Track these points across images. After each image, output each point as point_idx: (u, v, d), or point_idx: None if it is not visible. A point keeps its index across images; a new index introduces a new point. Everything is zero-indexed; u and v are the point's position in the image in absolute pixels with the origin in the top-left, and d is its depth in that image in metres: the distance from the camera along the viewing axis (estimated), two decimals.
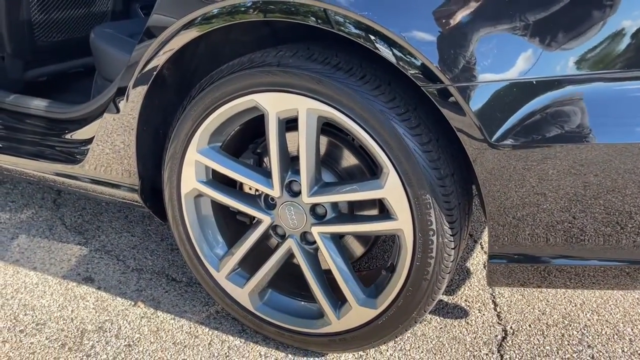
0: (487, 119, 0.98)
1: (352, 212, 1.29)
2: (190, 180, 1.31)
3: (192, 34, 1.18)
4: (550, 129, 0.96)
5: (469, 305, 1.52)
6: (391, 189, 1.11)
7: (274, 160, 1.21)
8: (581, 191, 0.99)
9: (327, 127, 1.25)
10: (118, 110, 1.38)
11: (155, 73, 1.27)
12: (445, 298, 1.55)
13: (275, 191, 1.24)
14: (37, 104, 1.65)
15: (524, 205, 1.03)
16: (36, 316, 1.45)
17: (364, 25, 1.01)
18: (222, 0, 1.12)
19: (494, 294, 1.57)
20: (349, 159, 1.28)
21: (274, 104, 1.16)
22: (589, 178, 0.97)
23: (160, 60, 1.25)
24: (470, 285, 1.60)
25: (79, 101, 1.98)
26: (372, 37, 1.01)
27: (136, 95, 1.32)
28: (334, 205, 1.24)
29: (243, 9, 1.11)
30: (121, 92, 1.36)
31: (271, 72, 1.13)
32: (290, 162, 1.24)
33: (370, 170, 1.26)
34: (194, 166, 1.30)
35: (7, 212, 1.94)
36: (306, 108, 1.13)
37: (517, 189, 1.02)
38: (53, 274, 1.62)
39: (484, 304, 1.53)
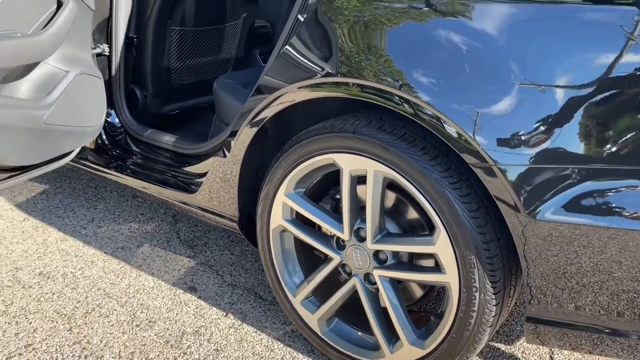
0: (526, 196, 1.11)
1: (412, 260, 1.46)
2: (278, 217, 1.56)
3: (299, 95, 1.42)
4: (586, 210, 1.07)
5: (525, 357, 1.61)
6: (441, 246, 1.27)
7: (345, 209, 1.42)
8: (616, 271, 1.08)
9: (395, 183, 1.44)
10: (228, 151, 1.68)
11: (261, 124, 1.54)
12: (502, 347, 1.65)
13: (345, 235, 1.45)
14: (167, 139, 2.02)
15: (559, 276, 1.14)
16: (149, 314, 1.79)
17: (434, 114, 1.18)
18: (333, 75, 1.33)
19: (552, 349, 1.63)
20: (411, 214, 1.45)
21: (348, 164, 1.38)
22: (621, 259, 1.07)
23: (267, 113, 1.51)
24: None
25: (202, 131, 2.34)
26: (437, 122, 1.18)
27: (244, 140, 1.60)
28: (395, 253, 1.42)
29: (346, 86, 1.32)
30: (233, 135, 1.65)
31: (347, 138, 1.35)
32: (359, 211, 1.45)
33: (429, 226, 1.43)
34: (281, 206, 1.55)
35: (136, 222, 2.34)
36: (374, 170, 1.34)
37: (552, 260, 1.13)
38: (166, 281, 1.96)
39: (540, 358, 1.60)
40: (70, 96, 1.70)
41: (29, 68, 1.60)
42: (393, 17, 1.25)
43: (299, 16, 1.45)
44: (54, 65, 1.69)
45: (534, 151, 1.10)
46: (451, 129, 1.16)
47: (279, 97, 1.47)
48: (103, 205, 2.47)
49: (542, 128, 1.09)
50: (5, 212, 2.36)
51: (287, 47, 1.45)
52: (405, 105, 1.22)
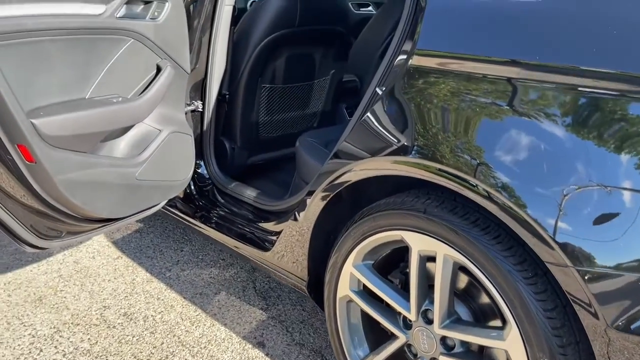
0: (606, 303, 1.01)
1: (481, 351, 1.37)
2: (345, 287, 1.55)
3: (372, 170, 1.41)
4: None
5: None
6: (512, 343, 1.18)
7: (412, 288, 1.37)
8: None
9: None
10: (303, 212, 1.70)
11: (335, 190, 1.55)
12: None
13: (411, 315, 1.40)
14: (249, 193, 2.09)
15: None
16: None
17: (508, 205, 1.11)
18: (407, 154, 1.29)
19: None
20: (483, 300, 1.37)
21: (417, 243, 1.34)
22: None
23: (342, 180, 1.51)
24: None
25: (286, 181, 2.40)
26: (511, 213, 1.12)
27: (319, 202, 1.62)
28: (463, 341, 1.34)
29: (419, 167, 1.29)
30: (310, 194, 1.68)
31: (418, 217, 1.31)
32: (428, 291, 1.39)
33: (502, 316, 1.34)
34: (349, 277, 1.53)
35: (217, 268, 2.43)
36: (444, 253, 1.28)
37: None
38: (237, 333, 2.00)
39: None
40: (161, 153, 1.82)
41: (127, 128, 1.74)
42: (477, 109, 1.21)
43: (378, 89, 1.46)
44: (149, 124, 1.82)
45: (619, 257, 1.00)
46: (525, 222, 1.09)
47: (352, 169, 1.47)
48: (189, 248, 2.59)
49: (627, 233, 0.99)
50: (103, 249, 2.55)
51: (365, 117, 1.45)
52: (480, 192, 1.17)
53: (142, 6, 1.68)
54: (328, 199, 1.58)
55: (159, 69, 1.78)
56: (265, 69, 2.26)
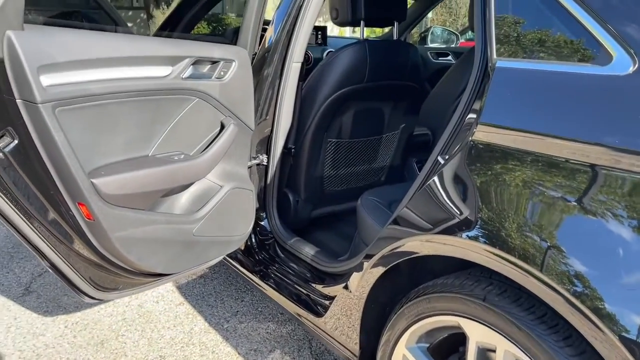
0: None
1: None
2: None
3: (428, 246, 1.31)
4: None
5: None
6: None
7: None
8: None
9: None
10: (359, 278, 1.61)
11: (391, 263, 1.45)
12: None
13: None
14: (308, 251, 2.04)
15: None
16: None
17: (581, 308, 0.98)
18: (467, 236, 1.19)
19: None
20: None
21: (475, 333, 1.20)
22: None
23: (401, 249, 1.42)
24: None
25: (349, 234, 2.33)
26: (583, 318, 0.98)
27: (375, 269, 1.53)
28: None
29: (481, 252, 1.17)
30: (367, 258, 1.59)
31: (476, 304, 1.19)
32: None
33: None
34: (401, 358, 1.41)
35: (275, 322, 2.38)
36: (504, 349, 1.14)
37: None
38: None
39: None
40: (220, 209, 1.82)
41: (188, 184, 1.76)
42: (548, 194, 1.08)
43: (440, 158, 1.36)
44: (211, 179, 1.84)
45: None
46: (598, 329, 0.94)
47: (410, 241, 1.37)
48: (249, 298, 2.56)
49: None
50: (167, 294, 2.59)
51: (426, 186, 1.36)
52: (546, 286, 1.03)
53: (209, 66, 1.71)
54: (384, 267, 1.49)
55: (222, 126, 1.79)
56: (332, 123, 2.23)
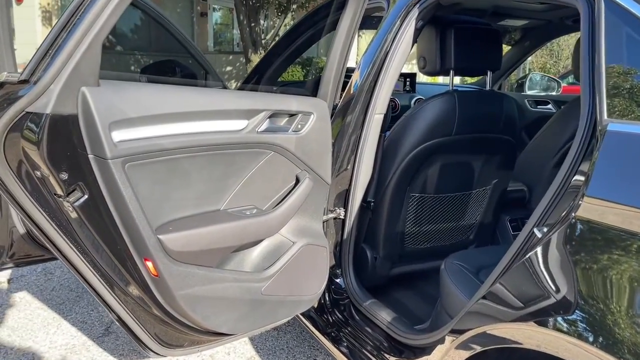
0: None
1: None
2: None
3: (521, 334, 1.13)
4: None
5: None
6: None
7: None
8: None
9: None
10: (440, 357, 1.43)
11: (486, 343, 1.27)
12: None
13: None
14: (384, 317, 1.88)
15: None
16: None
17: None
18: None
19: None
20: None
21: None
22: None
23: (493, 333, 1.23)
24: None
25: (431, 295, 2.14)
26: None
27: (463, 351, 1.34)
28: None
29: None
30: (452, 334, 1.41)
31: None
32: None
33: None
34: None
35: None
36: None
37: None
38: None
39: None
40: (292, 267, 1.72)
41: (259, 240, 1.68)
42: None
43: (537, 230, 1.18)
44: (283, 235, 1.75)
45: None
46: None
47: (499, 327, 1.18)
48: (322, 358, 2.42)
49: None
50: (240, 345, 2.52)
51: (522, 260, 1.18)
52: None
53: (286, 119, 1.65)
54: (474, 350, 1.30)
55: (297, 180, 1.72)
56: (416, 177, 2.09)
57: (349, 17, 1.69)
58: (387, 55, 1.92)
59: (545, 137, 2.42)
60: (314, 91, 1.82)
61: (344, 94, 2.03)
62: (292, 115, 1.66)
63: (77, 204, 1.26)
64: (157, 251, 1.35)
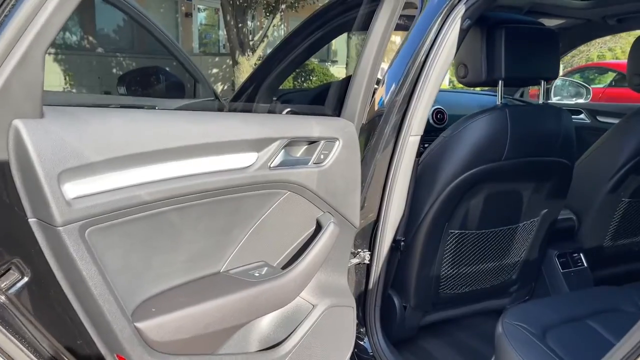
0: None
1: None
2: None
3: None
4: None
5: None
6: None
7: None
8: None
9: None
10: None
11: None
12: None
13: None
14: None
15: None
16: None
17: None
18: None
19: None
20: None
21: None
22: None
23: None
24: None
25: (468, 346, 1.77)
26: None
27: None
28: None
29: None
30: None
31: None
32: None
33: None
34: None
35: None
36: None
37: None
38: None
39: None
40: (313, 337, 1.33)
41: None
42: None
43: None
44: (301, 296, 1.36)
45: None
46: None
47: None
48: None
49: None
50: None
51: None
52: None
53: (304, 147, 1.26)
54: None
55: (319, 226, 1.33)
56: (456, 210, 1.71)
57: (386, 14, 1.30)
58: (424, 64, 1.54)
59: (598, 157, 2.06)
60: (336, 109, 1.43)
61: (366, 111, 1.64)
62: (312, 142, 1.27)
63: (12, 290, 0.85)
64: (133, 345, 0.95)
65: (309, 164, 1.25)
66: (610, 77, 8.23)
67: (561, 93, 3.19)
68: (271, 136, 1.15)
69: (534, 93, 3.37)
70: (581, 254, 2.10)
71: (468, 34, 1.60)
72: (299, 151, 1.26)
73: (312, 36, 2.16)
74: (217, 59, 13.16)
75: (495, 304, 2.01)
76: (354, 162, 1.35)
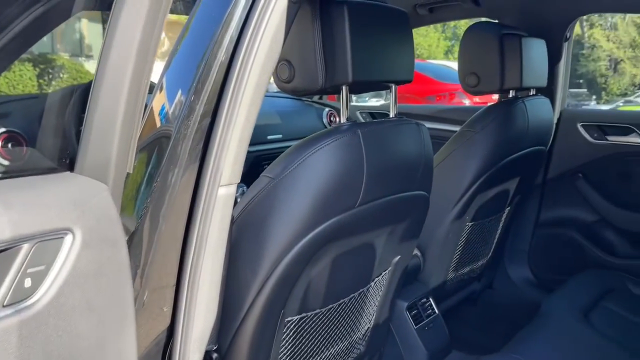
0: None
1: None
2: None
3: None
4: None
5: None
6: None
7: None
8: None
9: None
10: None
11: None
12: None
13: None
14: None
15: None
16: None
17: None
18: None
19: None
20: None
21: None
22: None
23: None
24: None
25: None
26: None
27: None
28: None
29: None
30: None
31: None
32: None
33: None
34: None
35: None
36: None
37: None
38: None
39: None
40: None
41: None
42: None
43: None
44: None
45: None
46: None
47: None
48: None
49: None
50: None
51: None
52: None
53: None
54: None
55: None
56: (294, 290, 1.09)
57: None
58: (234, 55, 0.87)
59: (440, 180, 1.66)
60: (65, 154, 0.68)
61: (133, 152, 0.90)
62: None
63: None
64: None
65: None
66: None
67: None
68: None
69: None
70: (430, 298, 1.71)
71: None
72: None
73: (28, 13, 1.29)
74: None
75: None
76: (111, 275, 0.62)
